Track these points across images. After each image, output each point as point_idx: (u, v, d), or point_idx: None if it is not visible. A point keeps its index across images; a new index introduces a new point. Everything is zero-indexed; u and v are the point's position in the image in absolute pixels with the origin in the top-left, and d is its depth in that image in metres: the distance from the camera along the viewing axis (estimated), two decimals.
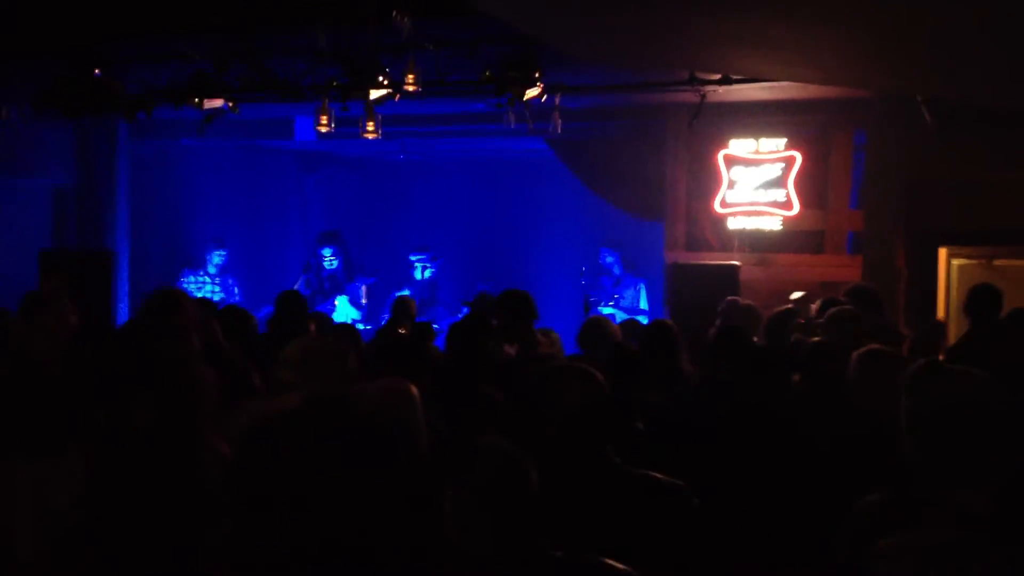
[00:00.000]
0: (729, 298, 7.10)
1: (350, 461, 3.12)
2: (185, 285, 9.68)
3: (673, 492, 3.04)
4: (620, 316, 9.65)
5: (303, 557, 2.47)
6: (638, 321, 7.77)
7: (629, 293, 9.94)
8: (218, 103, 7.35)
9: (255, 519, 2.37)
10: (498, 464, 2.33)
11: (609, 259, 10.13)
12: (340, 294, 10.37)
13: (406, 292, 9.76)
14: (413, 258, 10.47)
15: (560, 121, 8.05)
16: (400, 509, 3.08)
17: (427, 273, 10.35)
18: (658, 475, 3.06)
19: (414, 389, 3.22)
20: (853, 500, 2.67)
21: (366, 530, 3.00)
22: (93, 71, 7.40)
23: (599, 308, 9.65)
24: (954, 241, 8.55)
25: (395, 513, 3.07)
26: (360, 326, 9.51)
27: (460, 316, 9.66)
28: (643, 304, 9.93)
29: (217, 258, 9.82)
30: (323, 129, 7.51)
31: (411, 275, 10.46)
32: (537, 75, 6.93)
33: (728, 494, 3.45)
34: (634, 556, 2.46)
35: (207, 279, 9.80)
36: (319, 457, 3.05)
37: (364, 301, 10.48)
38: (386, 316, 8.82)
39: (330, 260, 10.49)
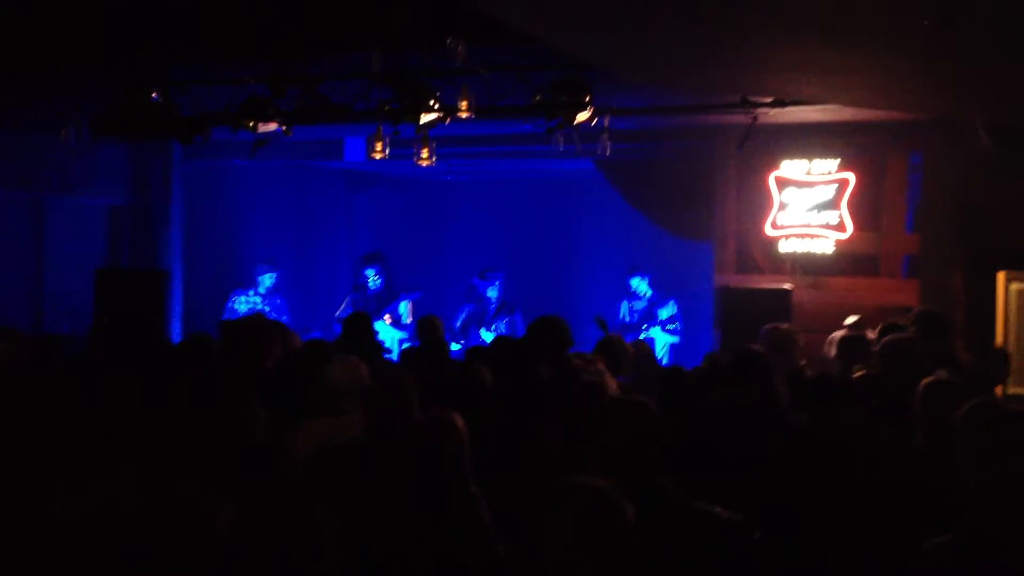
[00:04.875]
0: (769, 325, 6.97)
1: (408, 492, 3.13)
2: (236, 305, 9.77)
3: (732, 526, 2.99)
4: (663, 338, 9.62)
5: None
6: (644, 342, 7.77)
7: (664, 312, 9.90)
8: (272, 127, 7.42)
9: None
10: (595, 502, 2.31)
11: (641, 285, 10.09)
12: (383, 314, 10.42)
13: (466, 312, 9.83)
14: (475, 283, 10.52)
15: (609, 143, 8.03)
16: (454, 536, 3.08)
17: (494, 292, 10.39)
18: (716, 508, 3.01)
19: (460, 421, 3.23)
20: (918, 538, 2.61)
21: (422, 558, 3.01)
22: (150, 94, 7.51)
23: (640, 334, 9.62)
24: (1012, 265, 8.37)
25: (447, 541, 3.07)
26: (405, 344, 9.55)
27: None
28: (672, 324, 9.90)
29: (268, 279, 9.89)
30: (378, 156, 7.55)
31: (481, 297, 10.49)
32: (588, 98, 6.91)
33: (788, 527, 3.39)
34: None
35: (258, 299, 9.88)
36: (381, 489, 3.08)
37: (408, 320, 10.50)
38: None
39: (374, 280, 10.54)
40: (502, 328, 10.08)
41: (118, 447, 2.85)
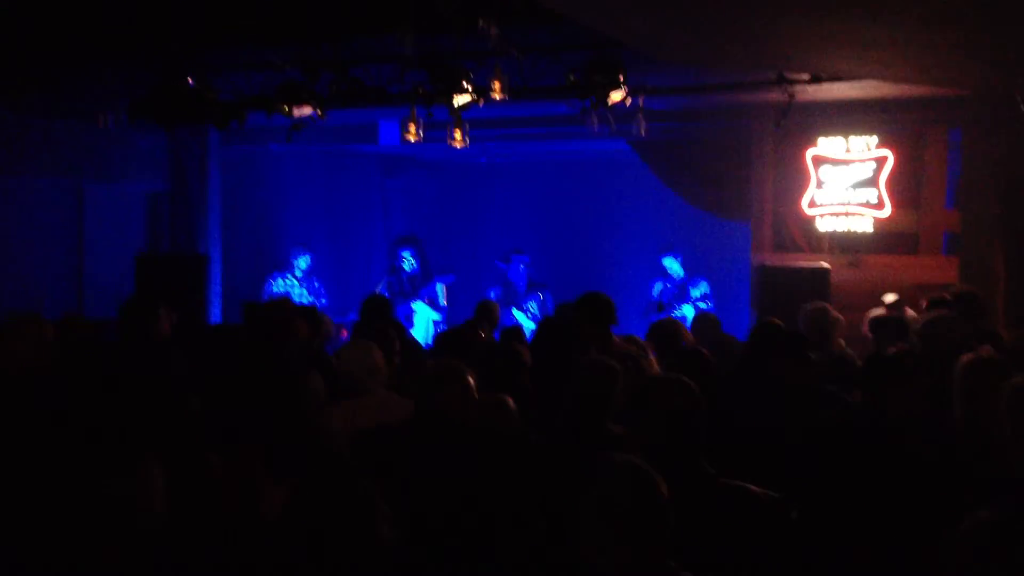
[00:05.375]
0: (807, 305, 6.91)
1: (457, 473, 3.15)
2: (273, 288, 9.86)
3: (769, 504, 2.98)
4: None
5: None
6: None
7: (696, 291, 9.86)
8: (307, 111, 7.45)
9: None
10: (630, 479, 2.31)
11: (673, 265, 10.06)
12: (419, 296, 10.48)
13: (492, 295, 9.82)
14: (500, 265, 10.53)
15: (644, 123, 7.97)
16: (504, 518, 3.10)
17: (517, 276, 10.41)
18: (753, 487, 3.00)
19: (511, 402, 3.24)
20: (959, 514, 2.58)
21: (472, 537, 3.03)
22: (186, 80, 7.57)
23: (674, 312, 9.61)
24: None
25: (498, 521, 3.09)
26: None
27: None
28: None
29: (304, 262, 9.98)
30: (411, 138, 7.56)
31: (507, 275, 10.50)
32: (622, 78, 6.87)
33: (826, 507, 3.38)
34: (730, 571, 2.42)
35: (295, 282, 9.96)
36: (430, 470, 3.10)
37: (443, 303, 10.55)
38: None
39: (409, 262, 10.61)
40: (534, 309, 10.10)
41: (165, 428, 2.89)
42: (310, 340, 5.37)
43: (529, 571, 2.81)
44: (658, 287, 10.12)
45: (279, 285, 9.91)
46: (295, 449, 2.66)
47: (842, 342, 6.24)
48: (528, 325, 9.66)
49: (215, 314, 9.51)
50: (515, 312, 10.06)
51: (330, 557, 2.29)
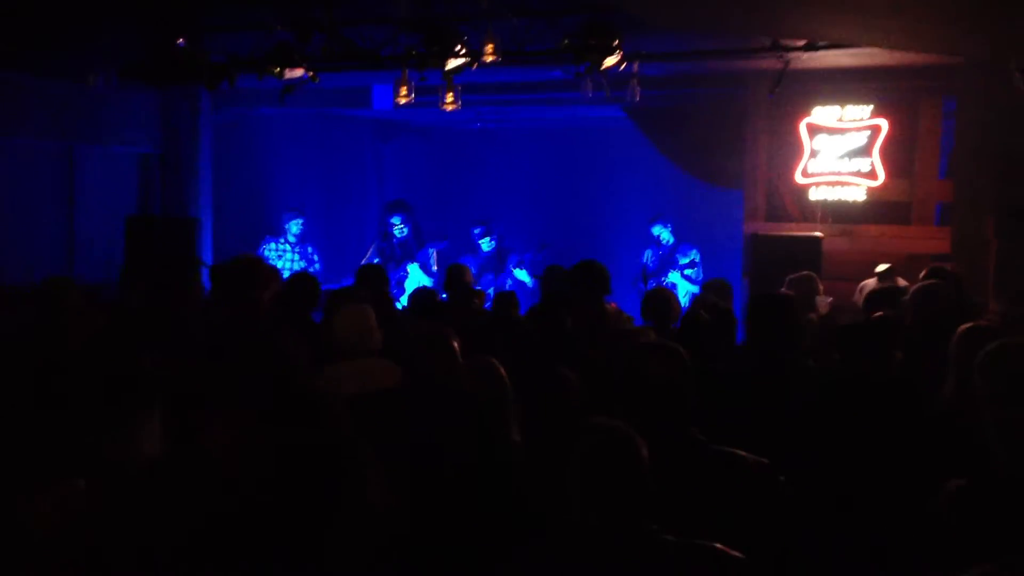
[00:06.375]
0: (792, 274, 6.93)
1: (444, 436, 3.17)
2: (266, 253, 9.83)
3: (757, 470, 2.99)
4: (684, 285, 9.61)
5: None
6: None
7: (683, 258, 9.86)
8: (299, 73, 7.39)
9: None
10: (608, 441, 2.32)
11: (663, 233, 10.05)
12: (412, 261, 10.46)
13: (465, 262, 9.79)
14: (475, 231, 10.48)
15: (639, 89, 7.94)
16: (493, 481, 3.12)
17: (488, 245, 10.38)
18: (741, 452, 3.01)
19: (500, 367, 3.25)
20: (940, 480, 2.60)
21: (461, 498, 3.05)
22: (177, 40, 7.50)
23: (663, 279, 9.62)
24: None
25: (487, 483, 3.10)
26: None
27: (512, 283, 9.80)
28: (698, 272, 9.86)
29: (295, 227, 9.95)
30: (403, 100, 7.52)
31: (478, 247, 10.48)
32: (616, 43, 6.83)
33: (813, 471, 3.40)
34: (718, 535, 2.43)
35: (287, 247, 9.94)
36: (418, 433, 3.12)
37: (435, 268, 10.53)
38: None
39: (400, 228, 10.57)
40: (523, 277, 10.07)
41: (158, 390, 2.89)
42: (285, 300, 5.36)
43: (519, 537, 2.82)
44: (648, 254, 10.12)
45: (271, 249, 9.89)
46: (285, 410, 2.66)
47: (826, 310, 6.29)
48: (528, 282, 9.73)
49: (206, 278, 9.48)
50: (517, 272, 10.04)
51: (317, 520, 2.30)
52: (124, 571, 2.29)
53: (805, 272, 6.77)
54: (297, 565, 2.28)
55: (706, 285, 7.18)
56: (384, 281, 6.47)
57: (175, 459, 2.53)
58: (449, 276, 7.01)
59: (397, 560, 2.47)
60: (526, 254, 10.23)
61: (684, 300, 9.44)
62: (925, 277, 5.83)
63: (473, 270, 8.40)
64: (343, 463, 2.39)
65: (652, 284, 9.53)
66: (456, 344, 3.57)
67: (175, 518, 2.35)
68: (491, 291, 9.30)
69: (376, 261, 9.56)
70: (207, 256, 9.61)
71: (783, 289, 6.25)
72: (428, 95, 7.79)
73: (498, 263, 10.31)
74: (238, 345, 3.35)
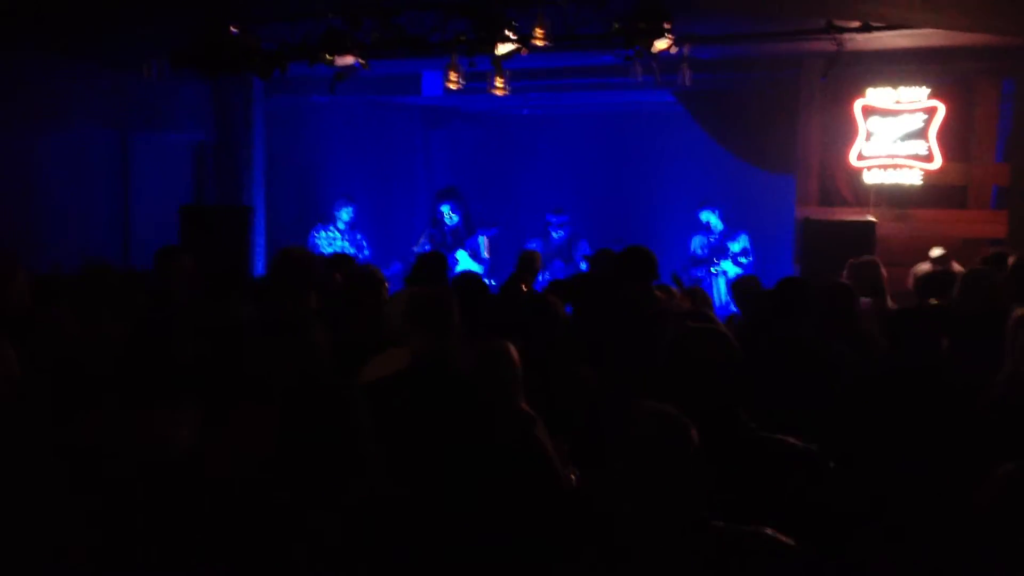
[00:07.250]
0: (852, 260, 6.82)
1: (449, 419, 3.18)
2: (317, 240, 9.92)
3: (806, 457, 2.96)
4: (734, 271, 9.53)
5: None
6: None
7: (735, 245, 9.79)
8: (350, 60, 7.43)
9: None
10: (660, 426, 2.29)
11: (711, 218, 9.97)
12: (461, 248, 10.49)
13: (533, 247, 9.78)
14: (553, 219, 10.50)
15: (689, 72, 7.86)
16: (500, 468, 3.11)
17: (559, 234, 10.38)
18: (790, 439, 2.98)
19: (513, 350, 3.23)
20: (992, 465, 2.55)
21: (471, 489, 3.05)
22: (229, 28, 7.57)
23: (711, 267, 9.54)
24: None
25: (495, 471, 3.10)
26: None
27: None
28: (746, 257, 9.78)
29: (346, 214, 10.02)
30: (452, 86, 7.53)
31: (548, 233, 10.49)
32: (667, 26, 6.76)
33: (863, 458, 3.35)
34: (767, 522, 2.41)
35: (338, 234, 10.02)
36: (421, 418, 3.13)
37: (486, 255, 10.55)
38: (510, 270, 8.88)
39: (450, 216, 10.61)
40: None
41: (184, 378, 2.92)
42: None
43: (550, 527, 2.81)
44: (697, 241, 10.04)
45: (322, 237, 9.97)
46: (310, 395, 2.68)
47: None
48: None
49: (259, 266, 9.60)
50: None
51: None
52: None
53: (868, 257, 6.65)
54: (302, 557, 2.31)
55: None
56: (444, 268, 6.50)
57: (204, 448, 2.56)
58: (521, 261, 7.18)
59: (404, 550, 2.47)
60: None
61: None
62: (984, 262, 5.71)
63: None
64: (349, 457, 2.42)
65: (699, 272, 9.49)
66: (452, 319, 3.62)
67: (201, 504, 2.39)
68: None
69: (427, 248, 9.60)
70: (259, 244, 9.72)
71: (844, 274, 6.14)
72: (478, 81, 7.79)
73: (568, 251, 10.32)
74: (264, 339, 3.39)
